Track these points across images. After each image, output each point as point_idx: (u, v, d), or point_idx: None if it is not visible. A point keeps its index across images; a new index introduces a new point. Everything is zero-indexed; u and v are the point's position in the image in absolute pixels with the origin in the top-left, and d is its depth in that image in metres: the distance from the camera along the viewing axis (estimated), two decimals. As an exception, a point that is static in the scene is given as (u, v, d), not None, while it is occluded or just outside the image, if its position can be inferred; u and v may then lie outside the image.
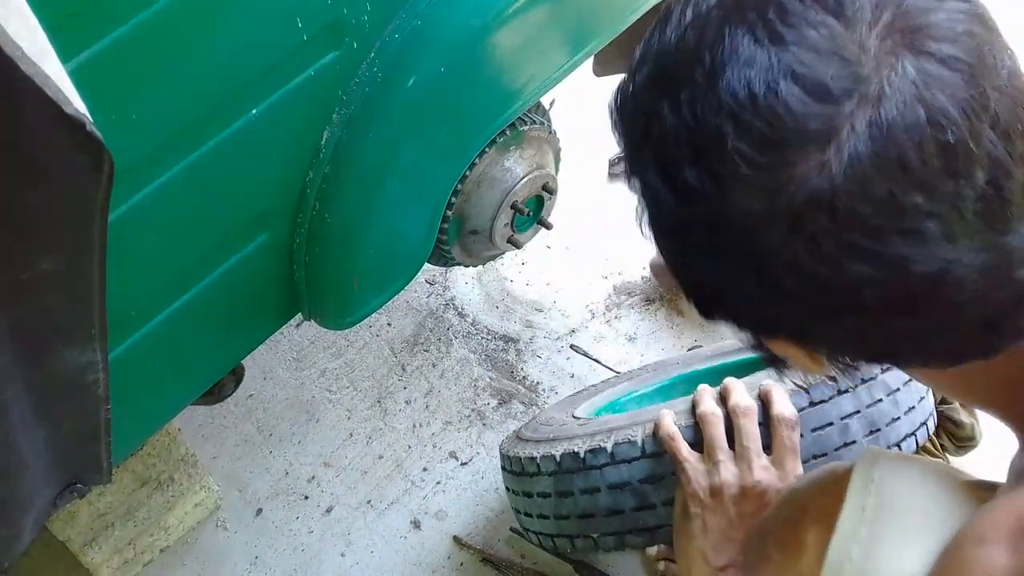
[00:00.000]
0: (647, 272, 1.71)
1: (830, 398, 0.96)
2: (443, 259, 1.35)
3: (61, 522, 1.32)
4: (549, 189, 1.37)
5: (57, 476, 0.93)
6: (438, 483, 1.49)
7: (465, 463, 1.51)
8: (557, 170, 1.40)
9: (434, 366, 1.64)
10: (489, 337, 1.67)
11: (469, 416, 1.57)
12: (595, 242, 1.78)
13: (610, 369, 1.56)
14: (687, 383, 1.32)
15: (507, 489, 1.21)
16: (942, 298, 0.52)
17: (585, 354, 1.61)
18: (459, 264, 1.43)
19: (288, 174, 0.94)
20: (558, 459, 1.05)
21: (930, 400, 1.08)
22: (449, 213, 1.17)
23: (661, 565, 1.30)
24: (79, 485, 0.96)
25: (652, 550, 1.31)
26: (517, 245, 1.39)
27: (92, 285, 0.73)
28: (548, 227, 1.42)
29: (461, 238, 1.34)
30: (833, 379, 0.77)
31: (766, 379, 0.98)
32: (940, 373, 0.64)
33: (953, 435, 1.31)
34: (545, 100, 1.25)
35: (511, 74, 1.02)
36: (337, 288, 1.05)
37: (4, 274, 0.68)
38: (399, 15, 0.91)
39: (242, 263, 0.96)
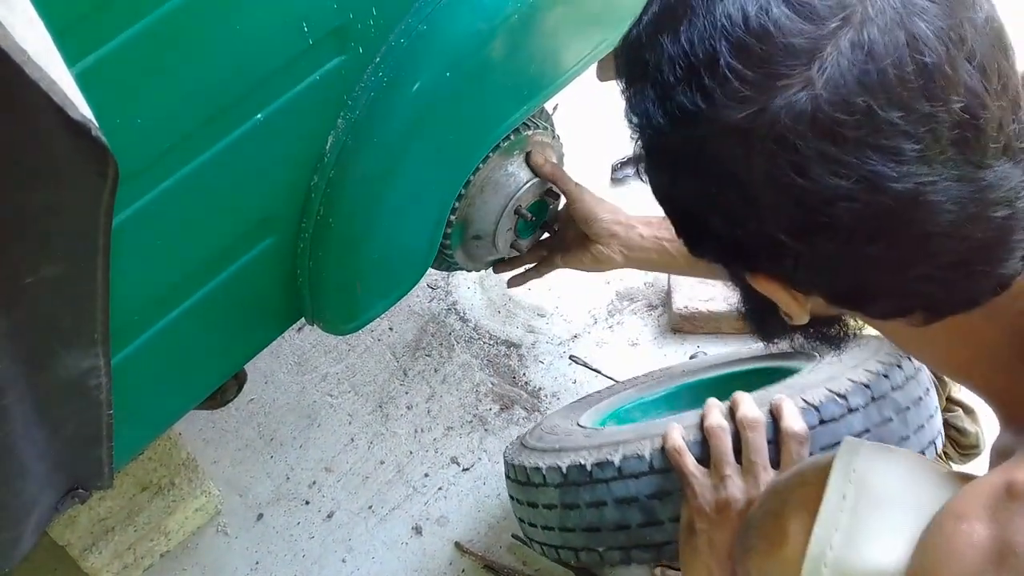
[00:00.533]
0: (649, 277, 1.71)
1: (840, 416, 0.95)
2: (446, 263, 1.34)
3: (61, 527, 1.32)
4: (553, 194, 1.37)
5: (58, 481, 0.93)
6: (440, 489, 1.48)
7: (467, 469, 1.51)
8: (561, 175, 1.40)
9: (436, 371, 1.63)
10: (491, 342, 1.67)
11: (471, 422, 1.56)
12: (597, 247, 1.78)
13: (610, 379, 1.56)
14: (692, 391, 1.32)
15: (511, 498, 1.21)
16: (916, 224, 0.54)
17: (585, 364, 1.60)
18: (461, 269, 1.42)
19: (293, 179, 0.94)
20: (564, 471, 1.04)
21: (939, 419, 1.07)
22: (452, 218, 1.17)
23: (658, 572, 1.30)
24: (80, 490, 0.95)
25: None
26: (520, 250, 1.38)
27: (95, 290, 0.72)
28: (552, 232, 1.42)
29: (464, 243, 1.33)
30: (824, 340, 0.77)
31: (777, 393, 0.97)
32: (923, 337, 0.65)
33: (957, 443, 1.30)
34: (548, 105, 1.25)
35: (517, 79, 1.02)
36: (340, 293, 1.04)
37: (7, 278, 0.68)
38: (405, 20, 0.90)
39: (246, 268, 0.95)
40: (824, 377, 1.01)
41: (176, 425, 1.39)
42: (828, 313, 0.69)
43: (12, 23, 0.54)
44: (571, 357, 1.61)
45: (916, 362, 1.05)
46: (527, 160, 1.17)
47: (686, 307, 1.60)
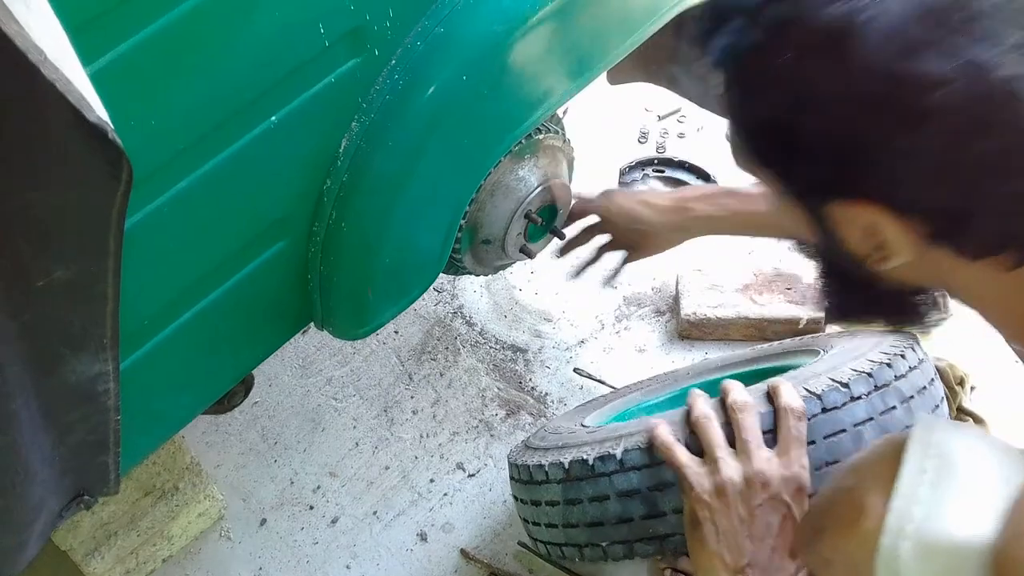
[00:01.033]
0: (656, 283, 1.70)
1: (843, 404, 0.95)
2: (453, 267, 1.33)
3: (63, 531, 1.30)
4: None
5: (64, 486, 0.92)
6: (445, 495, 1.47)
7: (472, 475, 1.49)
8: (571, 179, 1.39)
9: (441, 375, 1.62)
10: (497, 347, 1.65)
11: (477, 427, 1.55)
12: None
13: (615, 389, 1.55)
14: None
15: (515, 498, 1.20)
16: (1016, 117, 0.55)
17: (589, 376, 1.59)
18: (469, 273, 1.41)
19: (306, 182, 0.93)
20: (567, 466, 1.03)
21: (944, 409, 1.06)
22: (462, 222, 1.16)
23: (668, 574, 1.28)
24: (86, 496, 0.94)
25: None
26: (529, 255, 1.37)
27: (106, 294, 0.71)
28: (561, 237, 1.41)
29: (473, 247, 1.32)
30: (905, 312, 0.78)
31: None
32: (1009, 289, 0.66)
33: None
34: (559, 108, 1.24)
35: (533, 82, 1.00)
36: (352, 297, 1.03)
37: (19, 281, 0.67)
38: (422, 22, 0.89)
39: (257, 272, 0.94)
40: (826, 368, 1.00)
41: (180, 429, 1.37)
42: (916, 276, 0.68)
43: (29, 22, 0.53)
44: (575, 370, 1.60)
45: (920, 352, 1.04)
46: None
47: (694, 313, 1.59)
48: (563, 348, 1.64)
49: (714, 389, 1.14)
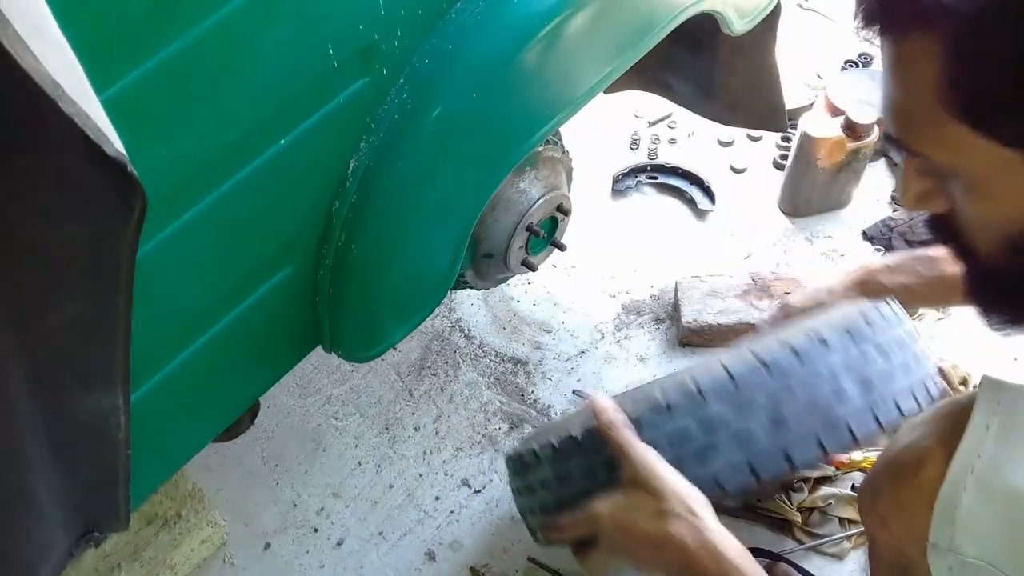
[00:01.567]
0: (655, 290, 1.69)
1: (817, 354, 0.94)
2: (455, 282, 1.32)
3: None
4: (564, 210, 1.35)
5: (74, 523, 0.89)
6: (451, 512, 1.45)
7: (478, 491, 1.47)
8: (570, 189, 1.38)
9: (442, 390, 1.60)
10: (497, 359, 1.64)
11: (480, 442, 1.53)
12: (601, 261, 1.76)
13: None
14: None
15: (513, 493, 1.19)
16: None
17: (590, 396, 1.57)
18: (471, 287, 1.40)
19: (314, 204, 0.91)
20: (556, 444, 1.03)
21: (929, 364, 1.06)
22: (466, 237, 1.15)
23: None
24: (96, 533, 0.92)
25: None
26: (532, 268, 1.36)
27: (117, 328, 0.69)
28: (562, 248, 1.40)
29: (475, 261, 1.31)
30: None
31: None
32: None
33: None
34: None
35: (541, 98, 0.99)
36: (361, 320, 1.01)
37: (29, 319, 0.65)
38: (430, 40, 0.88)
39: (265, 297, 0.92)
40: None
41: (182, 455, 1.35)
42: None
43: (45, 54, 0.51)
44: (574, 391, 1.58)
45: (895, 306, 1.02)
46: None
47: (695, 320, 1.58)
48: (564, 359, 1.63)
49: None
